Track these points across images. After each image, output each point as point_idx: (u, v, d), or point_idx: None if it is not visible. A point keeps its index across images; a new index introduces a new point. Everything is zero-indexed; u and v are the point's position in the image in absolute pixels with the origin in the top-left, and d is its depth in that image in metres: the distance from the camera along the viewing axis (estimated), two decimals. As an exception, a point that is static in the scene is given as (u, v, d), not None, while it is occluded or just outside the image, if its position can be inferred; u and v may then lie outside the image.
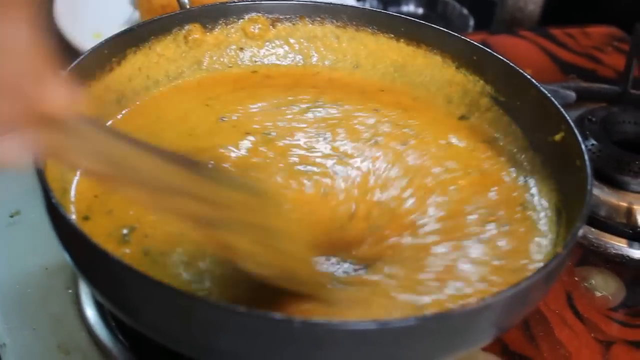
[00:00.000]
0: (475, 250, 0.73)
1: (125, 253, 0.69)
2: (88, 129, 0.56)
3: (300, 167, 0.80)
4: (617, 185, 1.01)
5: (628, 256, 0.95)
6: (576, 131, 0.75)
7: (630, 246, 0.96)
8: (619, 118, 1.11)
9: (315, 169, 0.80)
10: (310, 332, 0.57)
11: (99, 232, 0.70)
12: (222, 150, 0.81)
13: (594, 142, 1.04)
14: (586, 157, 0.72)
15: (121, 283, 0.60)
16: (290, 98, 0.91)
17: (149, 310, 0.61)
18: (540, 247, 0.74)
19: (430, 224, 0.75)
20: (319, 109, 0.89)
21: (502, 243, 0.74)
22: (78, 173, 0.75)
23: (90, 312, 0.78)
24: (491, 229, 0.75)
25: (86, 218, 0.72)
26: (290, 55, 0.98)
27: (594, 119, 1.09)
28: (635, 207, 0.99)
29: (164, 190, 0.59)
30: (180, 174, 0.59)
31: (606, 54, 1.40)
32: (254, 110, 0.89)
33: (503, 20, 1.66)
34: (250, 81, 0.94)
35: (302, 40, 0.97)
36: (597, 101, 1.18)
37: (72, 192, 0.74)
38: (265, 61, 0.97)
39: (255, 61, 0.97)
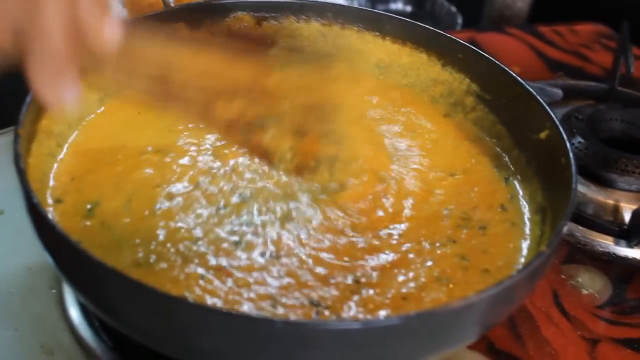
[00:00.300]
0: (447, 252, 0.73)
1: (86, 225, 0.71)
2: (138, 45, 0.61)
3: None
4: (604, 183, 1.01)
5: (615, 254, 0.95)
6: (561, 129, 0.75)
7: (617, 244, 0.96)
8: (606, 115, 1.11)
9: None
10: (291, 332, 0.56)
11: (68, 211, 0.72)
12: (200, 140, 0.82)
13: (580, 139, 1.04)
14: (571, 155, 0.72)
15: (103, 285, 0.59)
16: None
17: (131, 311, 0.60)
18: (520, 247, 0.74)
19: (402, 228, 0.75)
20: None
21: (477, 244, 0.74)
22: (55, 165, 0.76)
23: (74, 312, 0.78)
24: (467, 230, 0.75)
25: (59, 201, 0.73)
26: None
27: (580, 117, 1.09)
28: (622, 204, 0.99)
29: (209, 96, 0.64)
30: (230, 64, 0.63)
31: (594, 52, 1.40)
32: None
33: (491, 17, 1.66)
34: None
35: (287, 39, 0.97)
36: (584, 99, 1.19)
37: (51, 182, 0.75)
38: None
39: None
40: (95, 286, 0.61)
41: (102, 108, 0.85)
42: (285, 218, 0.73)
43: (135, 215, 0.72)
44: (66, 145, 0.79)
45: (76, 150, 0.79)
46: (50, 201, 0.73)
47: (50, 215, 0.70)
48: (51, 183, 0.75)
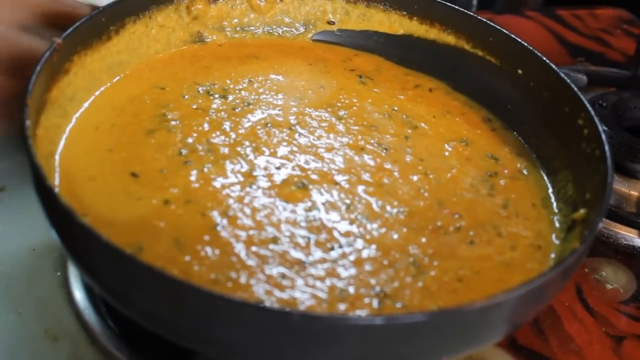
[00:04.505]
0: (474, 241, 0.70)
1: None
2: None
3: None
4: (628, 174, 0.98)
5: (639, 248, 0.92)
6: (596, 120, 0.72)
7: (642, 237, 0.92)
8: (629, 103, 1.07)
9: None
10: (309, 326, 0.53)
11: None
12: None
13: (604, 128, 1.00)
14: (607, 147, 0.69)
15: (114, 267, 0.56)
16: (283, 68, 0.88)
17: (140, 295, 0.57)
18: (550, 242, 0.71)
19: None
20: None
21: (506, 235, 0.71)
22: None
23: (80, 296, 0.75)
24: (499, 219, 0.72)
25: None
26: (297, 33, 0.94)
27: (604, 104, 1.05)
28: (646, 196, 0.96)
29: None
30: None
31: (615, 37, 1.36)
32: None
33: (507, -1, 1.63)
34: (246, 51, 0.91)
35: (310, 14, 0.93)
36: (606, 85, 1.15)
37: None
38: (269, 35, 0.93)
39: (258, 34, 0.93)
40: (106, 269, 0.58)
41: (117, 78, 0.82)
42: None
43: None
44: (75, 116, 0.75)
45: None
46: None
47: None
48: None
